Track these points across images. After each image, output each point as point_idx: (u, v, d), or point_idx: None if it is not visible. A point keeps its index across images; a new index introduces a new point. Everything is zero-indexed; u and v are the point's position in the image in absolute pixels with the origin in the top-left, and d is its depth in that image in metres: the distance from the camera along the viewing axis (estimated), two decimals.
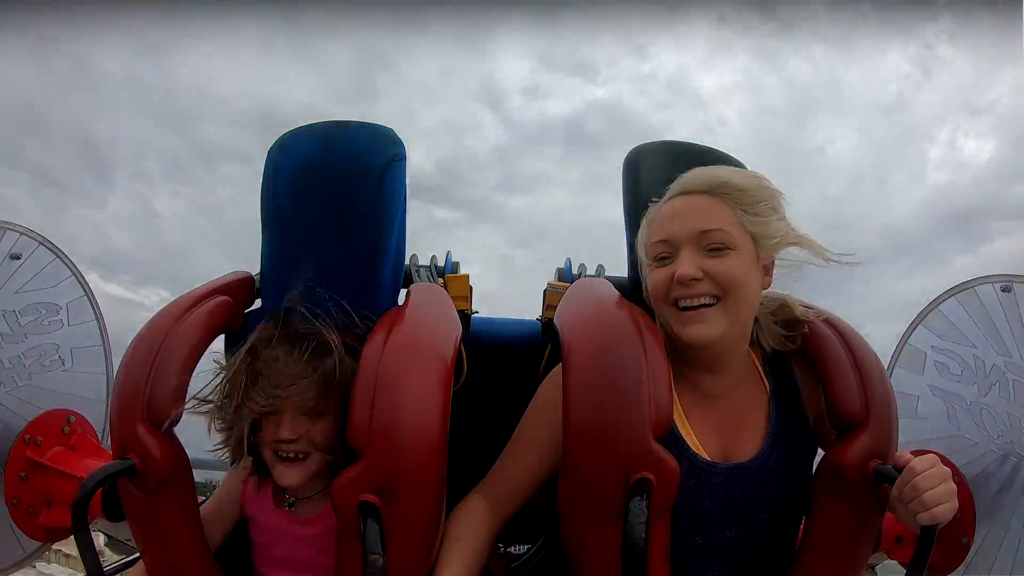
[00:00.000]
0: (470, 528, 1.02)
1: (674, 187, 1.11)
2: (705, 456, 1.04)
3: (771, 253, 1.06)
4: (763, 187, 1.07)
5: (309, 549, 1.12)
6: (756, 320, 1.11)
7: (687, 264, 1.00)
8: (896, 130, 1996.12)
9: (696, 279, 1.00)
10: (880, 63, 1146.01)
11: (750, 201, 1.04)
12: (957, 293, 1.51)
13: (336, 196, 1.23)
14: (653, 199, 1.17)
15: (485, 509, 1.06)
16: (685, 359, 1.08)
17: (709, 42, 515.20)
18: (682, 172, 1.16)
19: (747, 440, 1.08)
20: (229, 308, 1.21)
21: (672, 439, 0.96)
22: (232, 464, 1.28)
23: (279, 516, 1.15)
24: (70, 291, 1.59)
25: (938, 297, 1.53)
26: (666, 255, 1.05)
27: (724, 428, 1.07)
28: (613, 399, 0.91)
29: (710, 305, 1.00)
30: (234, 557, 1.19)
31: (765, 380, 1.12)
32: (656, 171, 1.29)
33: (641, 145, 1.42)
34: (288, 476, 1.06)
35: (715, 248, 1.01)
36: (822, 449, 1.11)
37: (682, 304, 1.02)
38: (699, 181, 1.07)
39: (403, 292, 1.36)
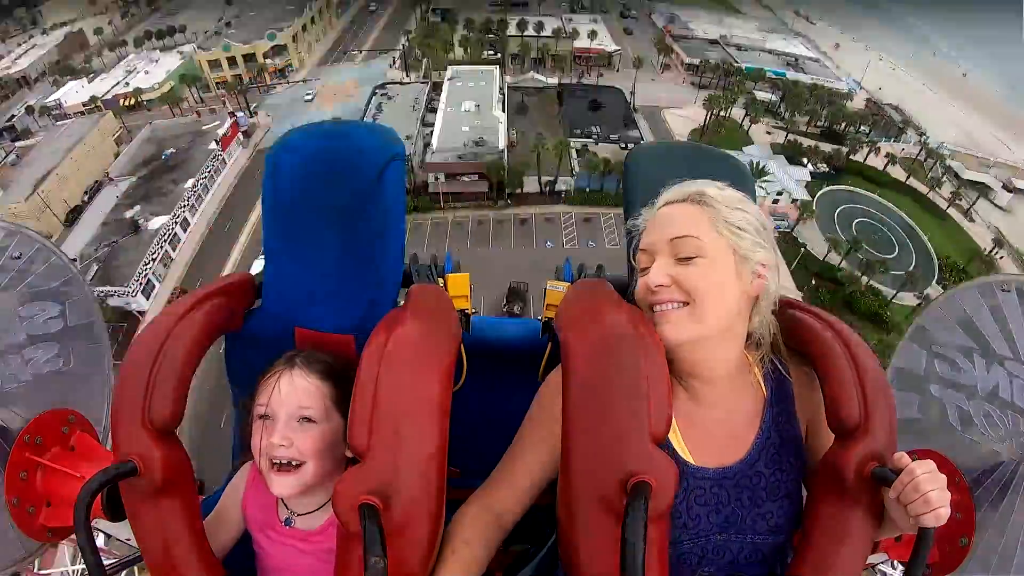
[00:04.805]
0: (471, 531, 1.02)
1: (659, 200, 1.15)
2: (693, 461, 1.05)
3: (751, 265, 1.06)
4: (742, 201, 1.10)
5: (311, 564, 1.12)
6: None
7: (656, 272, 1.05)
8: None
9: (663, 286, 1.04)
10: None
11: (727, 210, 1.06)
12: (957, 293, 1.50)
13: (337, 195, 1.23)
14: (644, 207, 1.19)
15: (487, 512, 1.06)
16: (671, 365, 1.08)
17: None
18: (682, 172, 1.16)
19: (739, 443, 1.08)
20: (229, 309, 1.21)
21: (662, 445, 0.97)
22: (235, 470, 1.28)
23: (280, 531, 1.15)
24: (70, 291, 1.59)
25: (938, 297, 1.53)
26: (646, 265, 1.09)
27: (716, 432, 1.07)
28: (612, 401, 0.91)
29: (678, 308, 1.03)
30: (240, 563, 1.20)
31: (762, 383, 1.12)
32: (656, 172, 1.29)
33: (641, 146, 1.42)
34: (281, 485, 1.07)
35: (686, 257, 1.04)
36: (812, 452, 1.11)
37: (656, 309, 1.05)
38: (679, 191, 1.12)
39: (403, 292, 1.36)
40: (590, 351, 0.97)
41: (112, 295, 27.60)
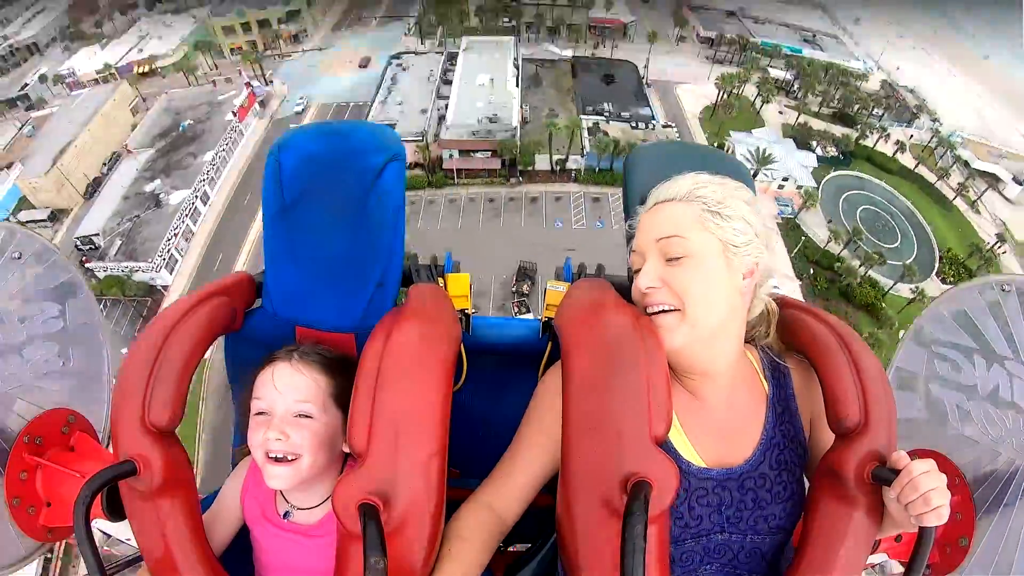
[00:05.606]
0: (472, 529, 1.02)
1: (649, 199, 1.15)
2: (697, 463, 1.04)
3: (742, 260, 1.05)
4: (729, 188, 1.08)
5: (309, 558, 1.12)
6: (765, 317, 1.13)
7: (645, 275, 1.05)
8: None
9: (653, 287, 1.04)
10: None
11: (713, 200, 1.06)
12: (958, 292, 1.50)
13: (336, 195, 1.23)
14: (637, 208, 1.19)
15: (487, 511, 1.06)
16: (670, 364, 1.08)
17: None
18: (681, 173, 1.16)
19: (742, 444, 1.08)
20: (229, 309, 1.21)
21: (663, 446, 0.97)
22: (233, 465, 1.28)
23: (279, 524, 1.15)
24: (70, 291, 1.59)
25: (939, 297, 1.53)
26: (638, 266, 1.09)
27: (719, 432, 1.07)
28: (612, 401, 0.91)
29: (669, 311, 1.02)
30: (238, 559, 1.20)
31: (764, 383, 1.12)
32: (656, 172, 1.29)
33: (641, 146, 1.42)
34: (275, 477, 1.06)
35: (674, 257, 1.04)
36: (814, 447, 1.11)
37: (648, 311, 1.05)
38: (668, 189, 1.11)
39: (403, 291, 1.36)
40: (590, 351, 0.97)
41: (137, 270, 28.56)
